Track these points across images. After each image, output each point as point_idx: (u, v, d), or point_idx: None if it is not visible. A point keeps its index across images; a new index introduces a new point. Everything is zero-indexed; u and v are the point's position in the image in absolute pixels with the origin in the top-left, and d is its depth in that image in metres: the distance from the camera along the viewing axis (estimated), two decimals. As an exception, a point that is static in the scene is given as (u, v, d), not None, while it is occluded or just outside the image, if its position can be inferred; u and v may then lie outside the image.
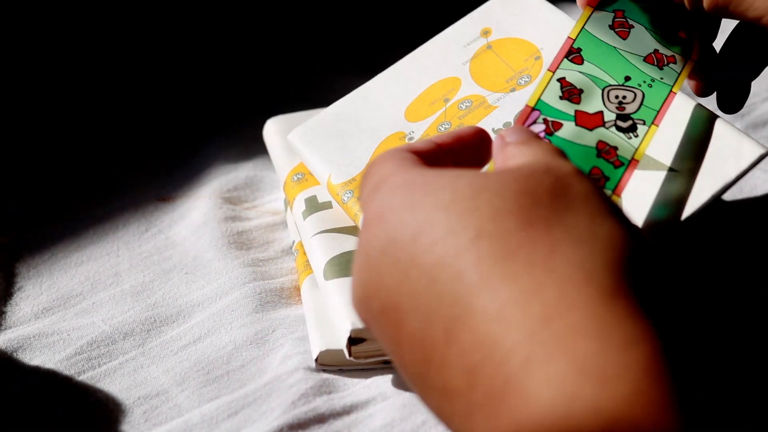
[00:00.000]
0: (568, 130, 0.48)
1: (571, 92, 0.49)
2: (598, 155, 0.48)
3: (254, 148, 0.72)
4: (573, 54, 0.50)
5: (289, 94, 0.80)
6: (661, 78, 0.50)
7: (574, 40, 0.50)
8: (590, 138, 0.48)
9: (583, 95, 0.49)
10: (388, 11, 0.90)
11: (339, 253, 0.57)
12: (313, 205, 0.60)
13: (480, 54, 0.60)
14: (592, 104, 0.49)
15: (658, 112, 0.49)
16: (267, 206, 0.69)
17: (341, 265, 0.56)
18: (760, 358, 0.53)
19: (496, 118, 0.57)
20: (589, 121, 0.48)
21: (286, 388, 0.54)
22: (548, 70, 0.49)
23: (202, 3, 0.87)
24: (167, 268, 0.63)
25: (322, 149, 0.60)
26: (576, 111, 0.48)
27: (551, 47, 0.58)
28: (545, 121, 0.48)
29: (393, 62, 0.63)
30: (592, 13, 0.51)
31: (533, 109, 0.48)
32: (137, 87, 0.81)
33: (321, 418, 0.52)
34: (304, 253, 0.60)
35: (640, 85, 0.50)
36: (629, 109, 0.49)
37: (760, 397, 0.51)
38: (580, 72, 0.49)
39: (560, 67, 0.49)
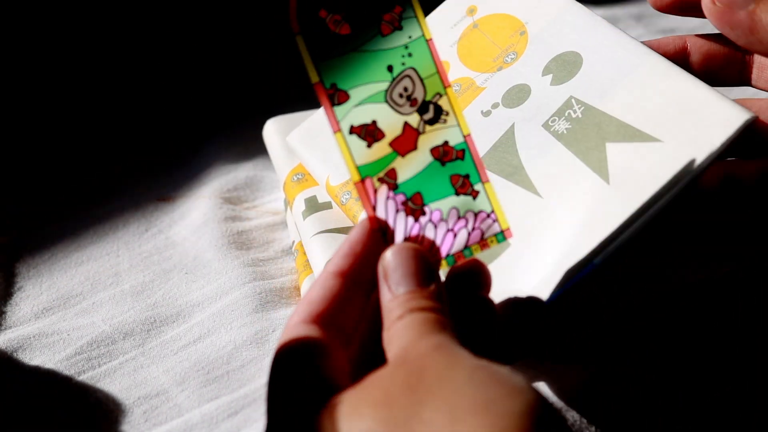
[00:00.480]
0: (405, 168, 0.44)
1: (368, 132, 0.44)
2: (443, 163, 0.45)
3: (254, 148, 0.72)
4: (333, 95, 0.43)
5: (289, 94, 0.80)
6: (410, 37, 0.45)
7: (321, 80, 0.43)
8: (423, 155, 0.44)
9: (380, 124, 0.44)
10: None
11: (339, 253, 0.57)
12: (313, 206, 0.60)
13: (467, 34, 0.59)
14: (393, 124, 0.44)
15: (438, 72, 0.45)
16: (267, 206, 0.69)
17: (341, 265, 0.56)
18: (760, 358, 0.53)
19: (484, 99, 0.56)
20: (406, 143, 0.44)
21: (286, 388, 0.54)
22: (333, 132, 0.43)
23: (202, 3, 0.87)
24: (167, 268, 0.64)
25: (320, 150, 0.60)
26: (390, 144, 0.44)
27: (536, 20, 0.57)
28: (381, 180, 0.44)
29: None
30: (305, 39, 0.43)
31: (362, 181, 0.43)
32: (137, 87, 0.81)
33: (321, 418, 0.52)
34: (304, 253, 0.60)
35: (404, 64, 0.44)
36: (419, 96, 0.44)
37: (760, 397, 0.51)
38: (355, 106, 0.43)
39: (339, 119, 0.43)
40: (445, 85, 0.45)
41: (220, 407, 0.53)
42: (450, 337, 0.40)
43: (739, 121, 0.49)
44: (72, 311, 0.61)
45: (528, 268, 0.49)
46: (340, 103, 0.43)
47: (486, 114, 0.55)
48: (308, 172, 0.61)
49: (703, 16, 0.51)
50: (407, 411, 0.37)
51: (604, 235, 0.48)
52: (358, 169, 0.43)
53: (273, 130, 0.67)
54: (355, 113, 0.44)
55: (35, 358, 0.57)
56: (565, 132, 0.53)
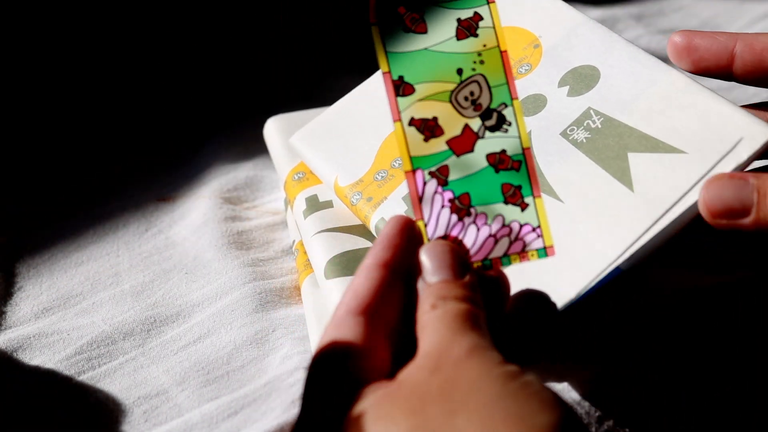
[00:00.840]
0: (458, 167, 0.45)
1: (428, 127, 0.45)
2: (497, 170, 0.45)
3: (254, 148, 0.72)
4: (400, 86, 0.45)
5: (289, 94, 0.80)
6: (484, 45, 0.46)
7: (390, 71, 0.45)
8: (478, 159, 0.45)
9: (440, 121, 0.45)
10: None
11: (340, 252, 0.57)
12: (314, 205, 0.60)
13: None
14: (453, 124, 0.45)
15: (508, 83, 0.46)
16: (267, 206, 0.69)
17: (342, 264, 0.56)
18: (760, 359, 0.53)
19: None
20: (464, 144, 0.45)
21: (286, 387, 0.54)
22: (394, 121, 0.45)
23: (202, 3, 0.87)
24: (167, 268, 0.63)
25: (326, 151, 0.59)
26: (447, 142, 0.45)
27: (550, 34, 0.58)
28: (432, 174, 0.45)
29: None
30: (381, 31, 0.45)
31: (413, 171, 0.45)
32: (137, 87, 0.81)
33: (321, 418, 0.52)
34: (305, 253, 0.60)
35: (474, 70, 0.46)
36: (484, 102, 0.45)
37: (760, 397, 0.51)
38: (419, 100, 0.45)
39: (401, 110, 0.45)
40: (513, 97, 0.46)
41: (220, 407, 0.53)
42: (482, 336, 0.41)
43: (765, 137, 0.50)
44: (72, 311, 0.61)
45: (550, 270, 0.49)
46: (404, 95, 0.45)
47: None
48: (313, 173, 0.61)
49: (725, 78, 0.52)
50: (440, 419, 0.38)
51: (632, 242, 0.49)
52: (411, 159, 0.45)
53: (274, 128, 0.67)
54: (417, 107, 0.45)
55: (35, 358, 0.57)
56: (584, 141, 0.53)
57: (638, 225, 0.49)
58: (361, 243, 0.57)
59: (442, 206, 0.45)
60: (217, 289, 0.61)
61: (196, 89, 0.81)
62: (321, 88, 0.80)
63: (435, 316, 0.42)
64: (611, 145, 0.52)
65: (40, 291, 0.62)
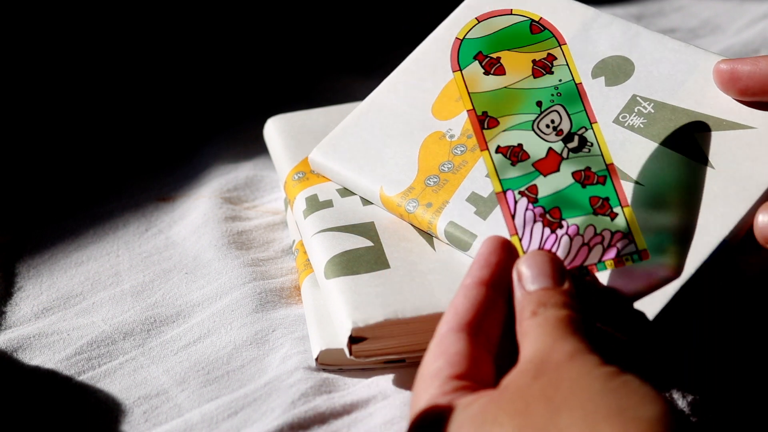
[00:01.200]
0: (545, 186, 0.48)
1: (514, 153, 0.48)
2: (583, 185, 0.48)
3: (254, 148, 0.72)
4: (484, 120, 0.49)
5: (289, 94, 0.80)
6: (560, 80, 0.50)
7: (474, 108, 0.49)
8: (564, 177, 0.48)
9: (525, 147, 0.48)
10: (387, 11, 0.90)
11: (340, 251, 0.56)
12: (314, 204, 0.60)
13: None
14: (539, 149, 0.49)
15: (585, 110, 0.49)
16: (267, 206, 0.69)
17: (342, 263, 0.56)
18: (760, 359, 0.53)
19: None
20: (550, 165, 0.48)
21: (286, 387, 0.54)
22: (481, 150, 0.48)
23: (202, 3, 0.87)
24: (167, 268, 0.63)
25: (359, 163, 0.58)
26: (534, 164, 0.48)
27: (563, 30, 0.57)
28: (522, 193, 0.48)
29: (393, 62, 0.63)
30: (463, 76, 0.50)
31: (504, 192, 0.48)
32: (137, 87, 0.81)
33: (321, 418, 0.52)
34: (305, 253, 0.60)
35: (553, 102, 0.49)
36: (565, 127, 0.49)
37: (760, 397, 0.51)
38: (504, 131, 0.49)
39: (487, 140, 0.49)
40: (592, 121, 0.49)
41: (220, 407, 0.53)
42: (582, 341, 0.42)
43: None
44: (72, 311, 0.61)
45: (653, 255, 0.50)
46: (489, 128, 0.49)
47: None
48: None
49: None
50: (545, 419, 0.39)
51: (736, 216, 0.50)
52: (501, 182, 0.48)
53: (274, 128, 0.67)
54: (502, 136, 0.49)
55: (35, 358, 0.57)
56: (641, 126, 0.54)
57: (735, 200, 0.50)
58: (360, 242, 0.57)
59: (535, 221, 0.47)
60: (217, 289, 0.61)
61: (196, 89, 0.81)
62: (321, 88, 0.80)
63: (536, 323, 0.43)
64: (672, 127, 0.53)
65: (40, 291, 0.62)
